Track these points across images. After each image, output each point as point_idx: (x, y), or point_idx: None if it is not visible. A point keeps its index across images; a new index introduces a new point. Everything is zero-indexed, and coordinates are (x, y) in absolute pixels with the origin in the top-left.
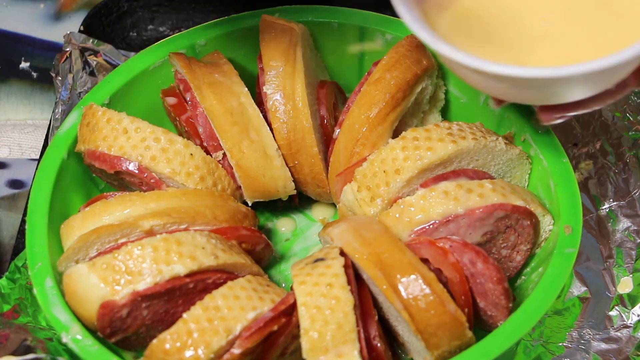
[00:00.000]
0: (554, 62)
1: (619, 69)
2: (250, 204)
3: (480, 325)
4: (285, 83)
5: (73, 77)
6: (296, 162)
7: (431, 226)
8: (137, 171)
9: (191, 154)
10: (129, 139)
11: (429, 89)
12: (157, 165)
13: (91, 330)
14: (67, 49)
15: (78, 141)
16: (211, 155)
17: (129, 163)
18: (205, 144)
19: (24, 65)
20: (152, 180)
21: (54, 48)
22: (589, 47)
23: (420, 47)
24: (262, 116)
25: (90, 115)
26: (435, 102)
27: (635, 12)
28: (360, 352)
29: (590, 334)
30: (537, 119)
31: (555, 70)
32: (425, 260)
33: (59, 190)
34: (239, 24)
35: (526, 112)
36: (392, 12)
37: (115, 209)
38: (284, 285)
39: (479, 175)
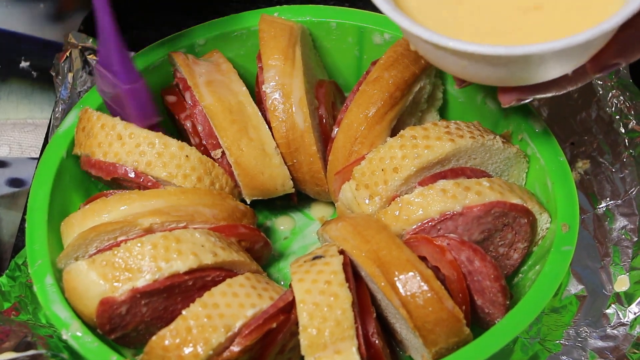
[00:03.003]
0: (513, 42)
1: (573, 52)
2: (248, 202)
3: (478, 323)
4: (284, 82)
5: (73, 76)
6: (295, 161)
7: (429, 224)
8: (133, 176)
9: (187, 156)
10: (124, 145)
11: (427, 88)
12: (153, 170)
13: (91, 327)
14: (67, 49)
15: (75, 145)
16: (210, 154)
17: (125, 169)
18: (204, 142)
19: (24, 64)
20: (149, 184)
21: (53, 47)
22: (550, 28)
23: None
24: (261, 115)
25: (85, 120)
26: (433, 101)
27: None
28: (359, 348)
29: (587, 332)
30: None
31: (510, 49)
32: (423, 258)
33: (58, 189)
34: (238, 24)
35: (523, 111)
36: None
37: (115, 207)
38: (282, 283)
39: (476, 173)
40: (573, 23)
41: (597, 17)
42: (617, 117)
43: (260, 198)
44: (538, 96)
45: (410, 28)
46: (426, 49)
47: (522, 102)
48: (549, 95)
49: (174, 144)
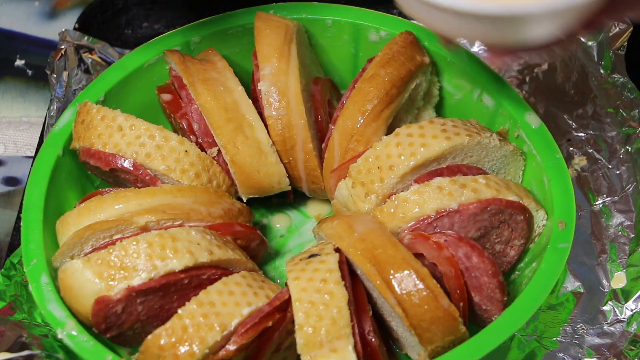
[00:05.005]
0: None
1: (570, 12)
2: (245, 200)
3: (475, 321)
4: (280, 80)
5: (68, 74)
6: (291, 159)
7: (425, 221)
8: (132, 168)
9: (186, 151)
10: (124, 136)
11: (423, 86)
12: (152, 162)
13: (86, 326)
14: (62, 47)
15: (73, 139)
16: (206, 152)
17: (124, 160)
18: (200, 140)
19: (19, 62)
20: (147, 177)
21: (49, 46)
22: None
23: (414, 44)
24: (256, 112)
25: (85, 113)
26: (430, 98)
27: None
28: (355, 347)
29: (584, 329)
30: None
31: (508, 8)
32: (420, 255)
33: (54, 187)
34: (233, 21)
35: (520, 108)
36: (386, 8)
37: (110, 205)
38: (278, 281)
39: (472, 171)
40: None
41: None
42: (614, 114)
43: (256, 196)
44: (529, 53)
45: None
46: (420, 9)
47: (513, 61)
48: (538, 52)
49: (174, 137)
